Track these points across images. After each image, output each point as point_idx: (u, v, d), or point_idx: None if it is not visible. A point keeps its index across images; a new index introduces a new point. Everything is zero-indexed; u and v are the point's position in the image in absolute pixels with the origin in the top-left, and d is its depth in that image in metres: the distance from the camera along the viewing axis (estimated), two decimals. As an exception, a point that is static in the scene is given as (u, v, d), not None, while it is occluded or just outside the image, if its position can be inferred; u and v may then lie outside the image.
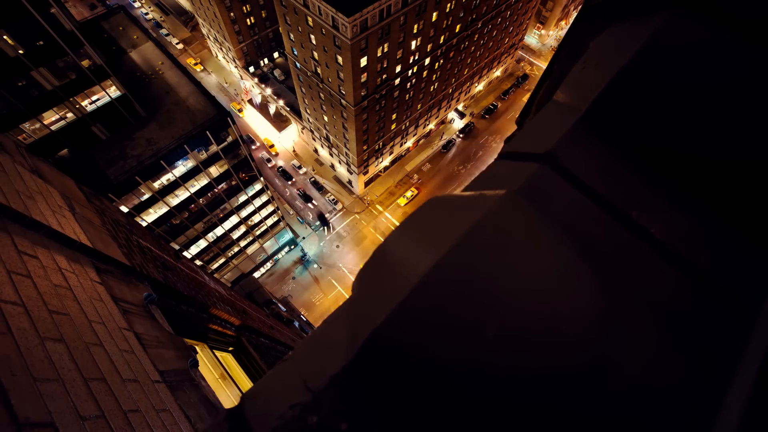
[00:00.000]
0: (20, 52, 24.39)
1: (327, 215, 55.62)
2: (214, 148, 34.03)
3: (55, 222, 2.78)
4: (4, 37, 23.50)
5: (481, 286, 0.57)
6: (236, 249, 47.21)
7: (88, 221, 3.42)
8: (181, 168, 33.32)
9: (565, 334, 0.57)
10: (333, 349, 0.70)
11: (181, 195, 35.12)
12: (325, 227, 54.72)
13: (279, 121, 60.83)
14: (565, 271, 0.64)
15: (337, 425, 0.61)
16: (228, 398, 4.75)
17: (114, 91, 30.24)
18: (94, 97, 29.60)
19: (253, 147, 59.41)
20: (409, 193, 56.45)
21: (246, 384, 5.56)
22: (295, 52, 45.75)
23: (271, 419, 0.62)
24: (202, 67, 67.17)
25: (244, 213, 43.27)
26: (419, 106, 53.01)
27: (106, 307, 2.69)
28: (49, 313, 2.08)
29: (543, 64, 69.10)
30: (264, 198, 44.09)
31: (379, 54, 39.94)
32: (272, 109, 60.91)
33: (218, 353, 5.35)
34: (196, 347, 3.91)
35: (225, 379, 4.90)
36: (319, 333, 0.75)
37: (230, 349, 5.93)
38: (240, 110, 62.54)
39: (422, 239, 0.63)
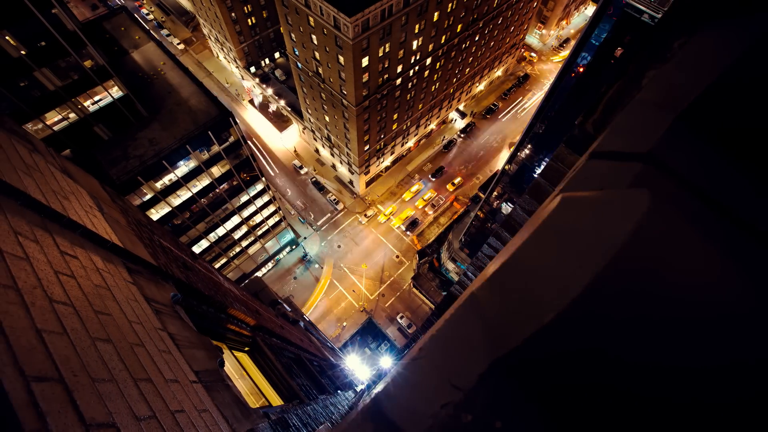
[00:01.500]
0: (23, 52, 24.35)
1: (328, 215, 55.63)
2: (216, 148, 34.00)
3: (89, 222, 2.78)
4: (7, 37, 23.47)
5: (647, 290, 0.57)
6: (238, 249, 47.19)
7: (116, 221, 3.41)
8: (183, 168, 33.31)
9: (729, 328, 0.57)
10: (469, 347, 0.70)
11: (183, 195, 35.10)
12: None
13: (280, 122, 60.80)
14: (720, 270, 0.64)
15: (492, 423, 0.61)
16: (248, 398, 4.74)
17: (116, 92, 30.20)
18: (96, 98, 29.57)
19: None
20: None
21: (263, 384, 5.54)
22: (297, 53, 45.73)
23: (423, 418, 0.62)
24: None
25: (245, 213, 43.25)
26: (420, 105, 53.02)
27: (140, 307, 2.68)
28: (95, 313, 2.07)
29: (544, 64, 69.14)
30: (265, 198, 44.07)
31: (380, 54, 39.94)
32: (273, 109, 60.87)
33: (236, 353, 5.34)
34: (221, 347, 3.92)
35: (244, 378, 4.88)
36: (447, 332, 0.74)
37: (246, 349, 5.91)
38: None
39: (576, 246, 0.63)
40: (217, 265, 46.00)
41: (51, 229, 2.33)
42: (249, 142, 41.88)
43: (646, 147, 0.97)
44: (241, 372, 4.94)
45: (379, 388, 0.76)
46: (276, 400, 5.28)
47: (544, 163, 35.74)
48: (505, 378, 0.63)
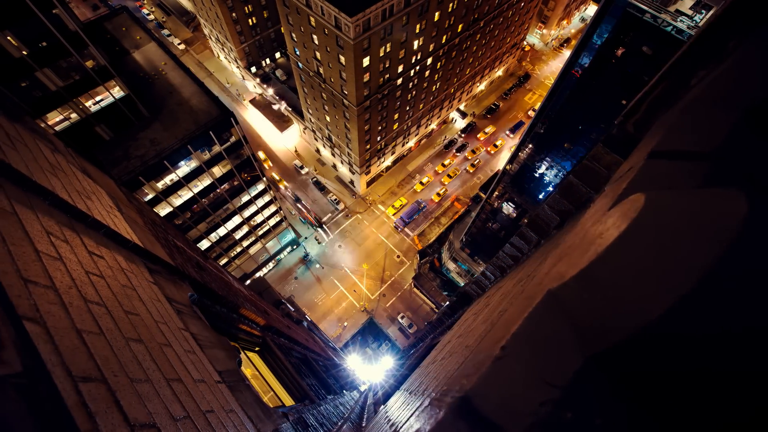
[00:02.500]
0: (24, 52, 24.32)
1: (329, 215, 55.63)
2: (217, 148, 33.99)
3: (111, 222, 2.77)
4: (8, 37, 23.44)
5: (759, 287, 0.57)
6: (239, 249, 47.19)
7: (133, 221, 3.41)
8: (185, 168, 33.31)
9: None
10: (558, 344, 0.69)
11: (185, 195, 35.10)
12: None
13: (281, 122, 60.79)
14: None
15: (592, 420, 0.61)
16: (263, 398, 4.74)
17: (118, 92, 30.18)
18: (97, 98, 29.55)
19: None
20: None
21: (274, 384, 5.54)
22: (298, 53, 45.71)
23: (523, 416, 0.62)
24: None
25: (246, 213, 43.25)
26: (421, 105, 53.03)
27: (164, 307, 2.68)
28: (125, 313, 2.07)
29: (544, 64, 69.16)
30: (266, 198, 44.07)
31: (381, 54, 39.94)
32: (274, 109, 60.85)
33: (248, 353, 5.34)
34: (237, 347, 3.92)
35: (257, 378, 4.88)
36: (529, 330, 0.74)
37: (256, 349, 5.91)
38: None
39: (680, 244, 0.62)
40: (218, 266, 45.95)
41: (77, 229, 2.33)
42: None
43: (711, 146, 0.97)
44: (254, 372, 4.94)
45: (462, 386, 0.76)
46: (288, 400, 5.28)
47: (545, 163, 35.62)
48: (602, 374, 0.63)
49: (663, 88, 1.38)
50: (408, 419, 1.62)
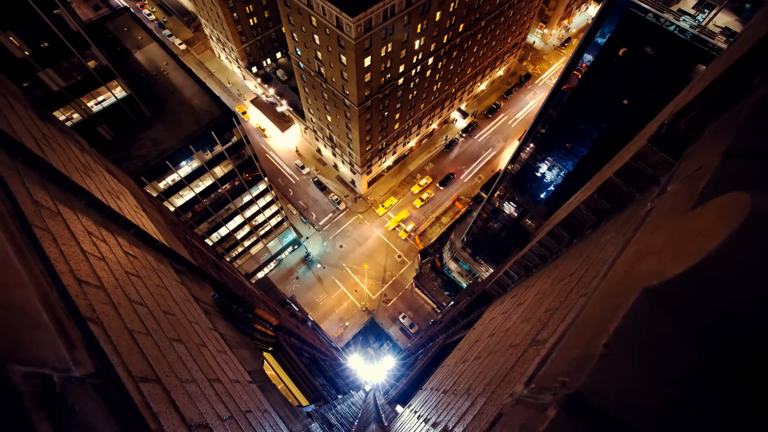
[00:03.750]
0: (26, 53, 24.30)
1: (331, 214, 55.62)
2: (218, 148, 33.98)
3: (140, 222, 2.77)
4: (11, 38, 23.42)
5: None
6: (240, 249, 47.16)
7: (156, 221, 3.40)
8: (186, 168, 33.29)
9: None
10: (668, 340, 0.69)
11: (186, 195, 35.07)
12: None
13: (282, 121, 60.77)
14: None
15: (715, 415, 0.61)
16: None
17: (119, 92, 30.16)
18: (99, 98, 29.53)
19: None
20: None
21: (289, 384, 5.54)
22: (299, 52, 45.69)
23: (647, 413, 0.62)
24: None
25: (248, 213, 43.24)
26: (422, 105, 53.02)
27: (193, 307, 2.67)
28: (164, 313, 2.06)
29: (544, 65, 69.16)
30: (268, 198, 44.07)
31: (382, 54, 39.93)
32: (275, 109, 60.82)
33: (263, 353, 5.34)
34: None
35: (274, 379, 4.88)
36: (631, 327, 0.74)
37: (270, 348, 5.91)
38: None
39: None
40: (219, 266, 45.92)
41: (111, 229, 2.32)
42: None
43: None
44: (271, 372, 4.94)
45: (568, 384, 0.76)
46: (303, 400, 5.27)
47: (547, 162, 35.61)
48: (720, 370, 0.63)
49: (720, 89, 1.38)
50: (463, 415, 1.63)
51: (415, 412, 3.05)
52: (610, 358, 0.74)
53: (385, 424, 3.27)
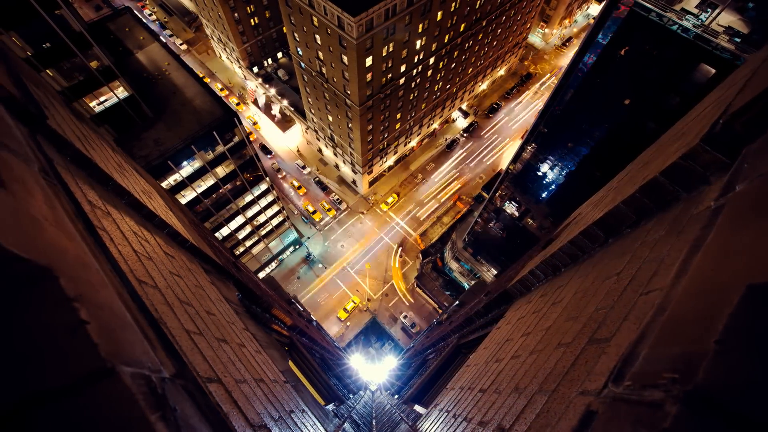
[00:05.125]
0: (29, 53, 24.28)
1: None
2: (220, 148, 33.97)
3: (171, 222, 2.76)
4: (13, 38, 23.39)
5: None
6: (241, 249, 47.13)
7: (182, 221, 3.40)
8: (188, 168, 33.29)
9: None
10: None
11: (188, 195, 35.04)
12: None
13: (283, 122, 60.75)
14: None
15: None
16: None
17: (121, 92, 30.14)
18: (101, 98, 29.50)
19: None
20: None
21: (306, 383, 5.53)
22: (300, 52, 45.67)
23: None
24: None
25: (249, 213, 43.24)
26: (423, 105, 53.02)
27: (226, 307, 2.67)
28: (207, 314, 2.06)
29: (545, 64, 69.17)
30: (269, 198, 44.06)
31: (384, 53, 39.92)
32: (276, 110, 60.82)
33: (280, 353, 5.35)
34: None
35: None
36: (741, 324, 0.75)
37: (285, 348, 5.90)
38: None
39: None
40: (221, 266, 45.86)
41: (149, 228, 2.31)
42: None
43: None
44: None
45: (684, 381, 0.75)
46: (320, 401, 5.27)
47: (548, 162, 35.62)
48: None
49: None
50: (521, 414, 1.62)
51: (448, 411, 3.05)
52: (726, 354, 0.74)
53: (412, 425, 3.26)
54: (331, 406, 4.36)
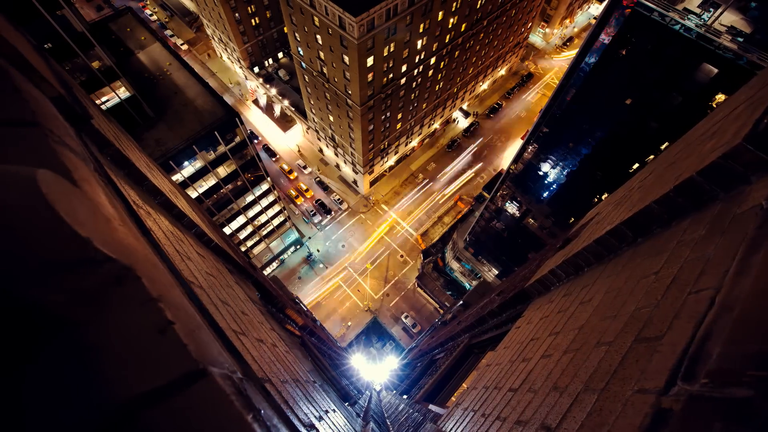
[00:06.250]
0: (31, 53, 24.22)
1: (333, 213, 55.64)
2: (222, 148, 33.97)
3: (198, 222, 2.76)
4: (15, 38, 23.33)
5: None
6: (243, 249, 47.14)
7: (202, 220, 3.40)
8: (190, 168, 33.28)
9: None
10: None
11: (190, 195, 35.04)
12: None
13: (284, 122, 60.74)
14: None
15: None
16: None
17: (123, 92, 30.11)
18: (103, 98, 29.44)
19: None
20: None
21: (319, 384, 5.56)
22: (301, 52, 45.68)
23: None
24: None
25: (251, 213, 43.25)
26: (424, 105, 53.05)
27: (254, 307, 2.66)
28: (241, 313, 2.05)
29: (546, 64, 69.20)
30: (270, 198, 44.07)
31: (385, 53, 39.93)
32: (277, 110, 60.81)
33: (293, 354, 5.35)
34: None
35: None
36: None
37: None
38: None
39: None
40: (222, 266, 45.86)
41: (180, 229, 2.31)
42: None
43: None
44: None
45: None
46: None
47: (550, 162, 35.64)
48: None
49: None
50: (567, 412, 1.62)
51: (474, 411, 3.04)
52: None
53: (436, 424, 3.25)
54: (360, 407, 4.36)
